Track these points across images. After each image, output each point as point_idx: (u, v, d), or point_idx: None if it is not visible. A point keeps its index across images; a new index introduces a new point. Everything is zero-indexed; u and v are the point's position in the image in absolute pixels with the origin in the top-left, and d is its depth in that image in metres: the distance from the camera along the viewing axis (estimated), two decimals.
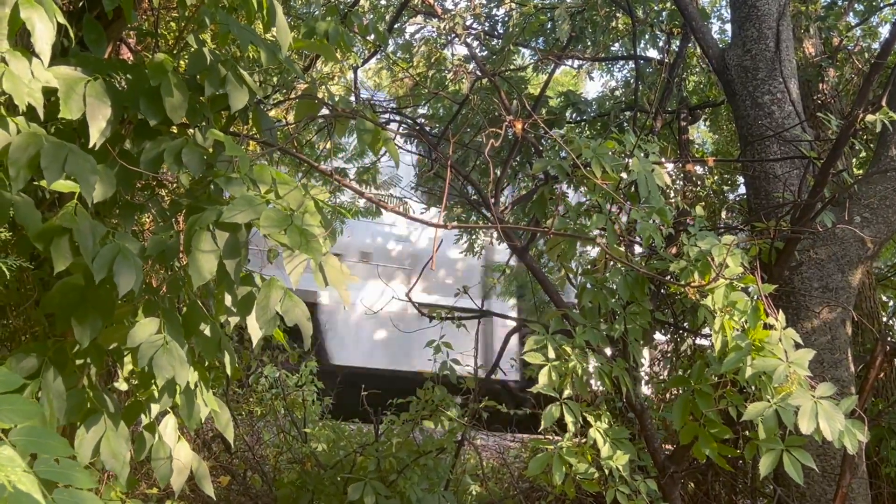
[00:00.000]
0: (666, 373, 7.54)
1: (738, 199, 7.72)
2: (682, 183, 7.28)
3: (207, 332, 3.12)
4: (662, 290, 5.23)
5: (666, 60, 7.68)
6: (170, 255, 2.94)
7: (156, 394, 3.01)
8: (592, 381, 4.38)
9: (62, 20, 2.63)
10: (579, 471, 4.20)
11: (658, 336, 7.11)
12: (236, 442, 6.96)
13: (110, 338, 3.01)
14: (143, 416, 3.15)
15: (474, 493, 6.70)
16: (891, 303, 9.09)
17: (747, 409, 3.59)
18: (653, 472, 4.96)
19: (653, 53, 8.35)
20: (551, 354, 4.18)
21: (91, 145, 2.72)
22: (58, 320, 2.82)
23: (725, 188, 7.99)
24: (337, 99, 3.95)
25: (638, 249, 5.33)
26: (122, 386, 3.42)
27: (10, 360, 2.75)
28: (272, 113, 7.22)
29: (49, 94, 2.75)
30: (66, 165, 2.50)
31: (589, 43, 7.93)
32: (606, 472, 4.25)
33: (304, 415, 7.31)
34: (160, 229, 3.02)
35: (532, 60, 8.24)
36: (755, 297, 3.75)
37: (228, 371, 3.28)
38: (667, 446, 6.31)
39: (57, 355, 2.89)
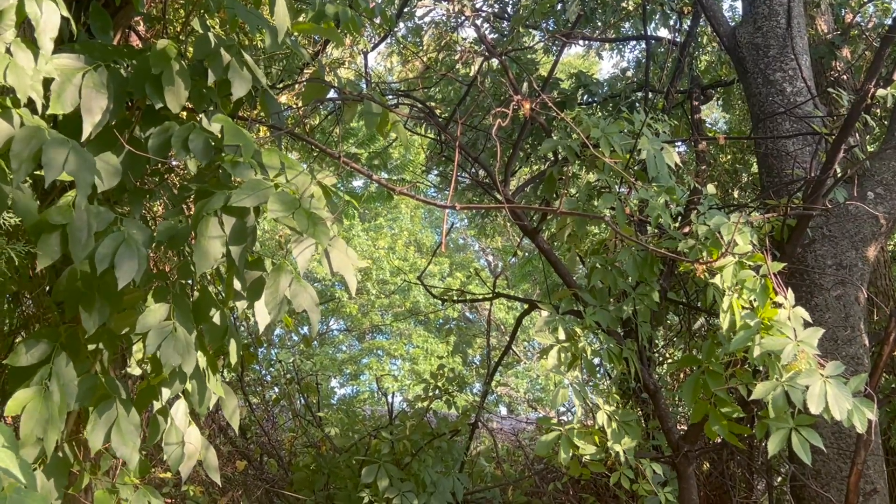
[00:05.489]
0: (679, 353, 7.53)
1: (750, 177, 7.68)
2: (694, 162, 7.25)
3: (217, 318, 3.14)
4: (675, 271, 5.22)
5: (677, 39, 7.63)
6: (180, 241, 2.95)
7: (167, 379, 3.03)
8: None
9: (66, 13, 2.64)
10: (586, 452, 4.21)
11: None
12: (252, 427, 7.00)
13: (122, 323, 3.03)
14: (155, 401, 3.17)
15: (489, 474, 6.73)
16: None
17: (756, 388, 3.58)
18: (667, 451, 4.97)
19: (664, 33, 8.29)
20: (561, 335, 4.18)
21: (84, 139, 2.73)
22: (67, 307, 2.84)
23: (738, 167, 7.94)
24: (345, 83, 3.95)
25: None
26: (134, 371, 3.45)
27: (20, 345, 2.77)
28: (283, 98, 7.22)
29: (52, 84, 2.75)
30: (66, 165, 2.50)
31: (599, 23, 7.89)
32: (613, 454, 4.26)
33: (319, 399, 7.35)
34: (170, 214, 3.03)
35: (541, 41, 8.20)
36: (764, 275, 3.74)
37: (233, 358, 3.28)
38: (682, 427, 6.31)
39: (69, 341, 2.91)
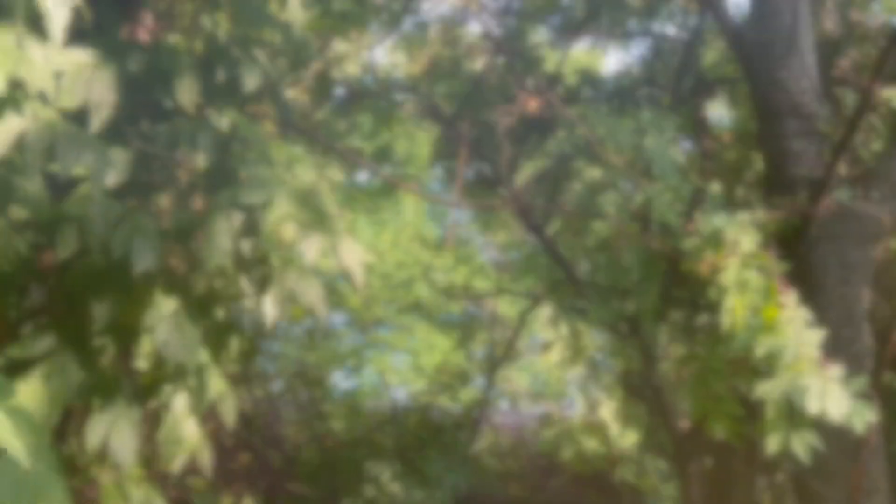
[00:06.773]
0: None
1: (755, 175, 7.68)
2: (700, 160, 7.24)
3: (222, 312, 3.15)
4: (679, 269, 5.22)
5: (683, 37, 7.63)
6: (188, 234, 2.96)
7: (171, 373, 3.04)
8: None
9: (78, 0, 2.64)
10: (589, 447, 4.22)
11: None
12: (257, 420, 7.02)
13: (129, 317, 3.03)
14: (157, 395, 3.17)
15: (491, 469, 6.74)
16: None
17: (757, 387, 3.59)
18: (669, 448, 4.98)
19: (670, 30, 8.28)
20: (564, 331, 4.20)
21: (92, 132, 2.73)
22: (76, 300, 2.85)
23: (743, 164, 7.93)
24: (351, 78, 3.96)
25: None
26: (140, 365, 3.45)
27: (25, 337, 2.78)
28: (289, 93, 7.22)
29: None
30: (80, 157, 2.51)
31: (605, 20, 7.89)
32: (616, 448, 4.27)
33: (323, 393, 7.37)
34: (178, 209, 3.04)
35: (547, 37, 8.20)
36: (769, 276, 3.74)
37: (238, 352, 3.29)
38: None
39: (76, 334, 2.92)
